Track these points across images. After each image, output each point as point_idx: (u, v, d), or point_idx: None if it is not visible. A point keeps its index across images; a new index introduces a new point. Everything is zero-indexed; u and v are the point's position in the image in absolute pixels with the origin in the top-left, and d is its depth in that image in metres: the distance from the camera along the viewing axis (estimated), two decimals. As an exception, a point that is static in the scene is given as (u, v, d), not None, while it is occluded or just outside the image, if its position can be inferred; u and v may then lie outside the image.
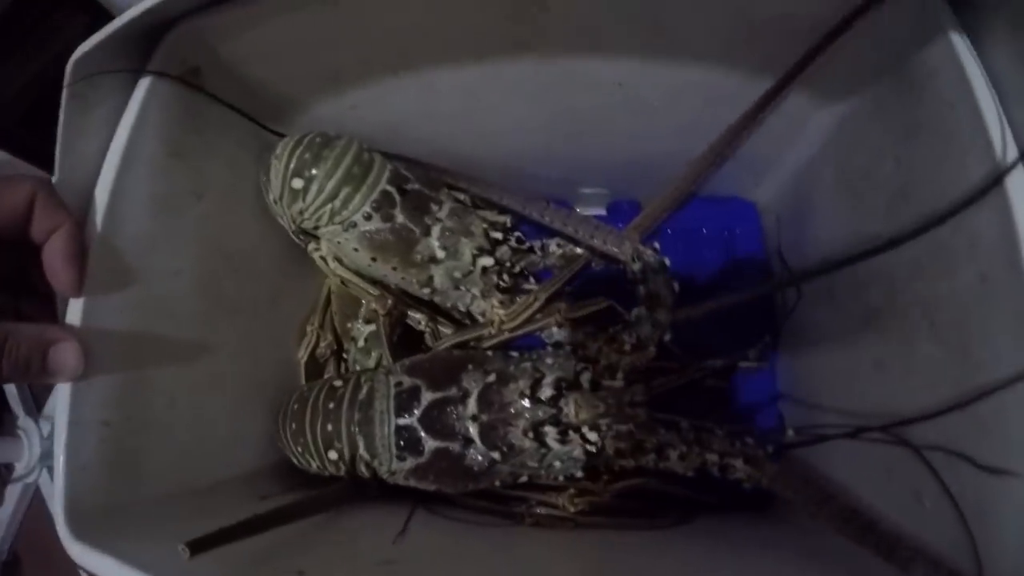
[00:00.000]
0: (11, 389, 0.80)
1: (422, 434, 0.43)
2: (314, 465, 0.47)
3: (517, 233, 0.48)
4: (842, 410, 0.50)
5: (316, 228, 0.47)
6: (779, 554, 0.46)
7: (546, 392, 0.43)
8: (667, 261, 0.46)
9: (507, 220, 0.50)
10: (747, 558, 0.47)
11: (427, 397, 0.43)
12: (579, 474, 0.46)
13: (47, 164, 0.63)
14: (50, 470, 0.78)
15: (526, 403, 0.43)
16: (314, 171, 0.45)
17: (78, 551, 0.35)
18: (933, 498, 0.36)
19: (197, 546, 0.32)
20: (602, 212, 0.58)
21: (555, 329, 0.48)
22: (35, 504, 0.81)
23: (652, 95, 0.46)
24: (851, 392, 0.47)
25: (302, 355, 0.52)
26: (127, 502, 0.40)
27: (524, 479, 0.46)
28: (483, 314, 0.48)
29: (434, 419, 0.43)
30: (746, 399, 0.55)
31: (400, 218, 0.45)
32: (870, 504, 0.42)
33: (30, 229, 0.36)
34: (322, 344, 0.51)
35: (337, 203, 0.45)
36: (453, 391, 0.43)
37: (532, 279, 0.48)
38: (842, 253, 0.37)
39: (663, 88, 0.46)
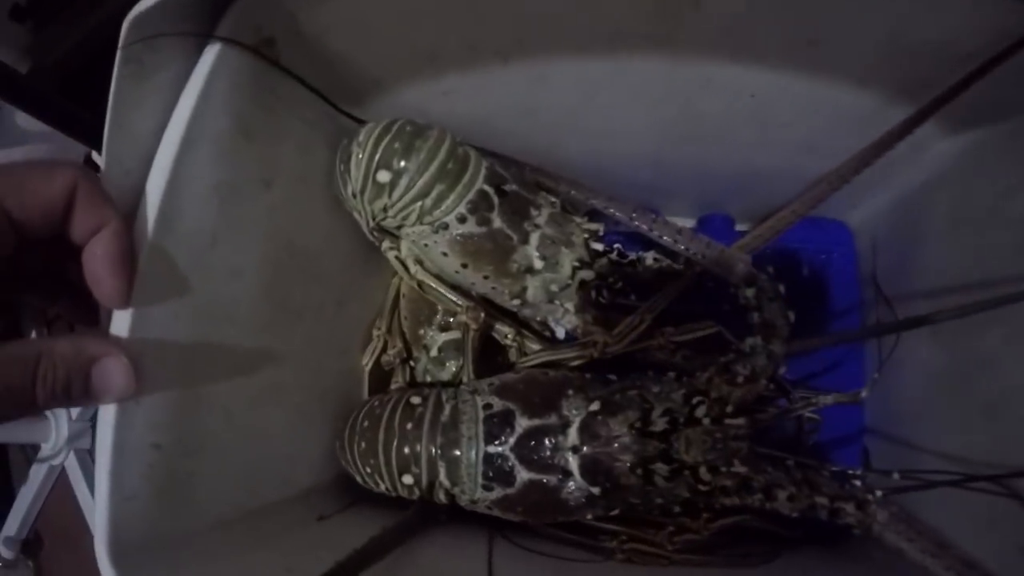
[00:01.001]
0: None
1: (515, 464, 0.37)
2: (382, 487, 0.40)
3: (617, 245, 0.41)
4: (942, 454, 0.44)
5: (399, 227, 0.40)
6: None
7: (659, 425, 0.36)
8: (782, 288, 0.40)
9: (600, 228, 0.43)
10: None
11: (522, 424, 0.37)
12: (677, 509, 0.39)
13: (87, 139, 0.55)
14: (77, 452, 0.70)
15: (635, 437, 0.36)
16: (404, 164, 0.37)
17: None
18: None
19: None
20: (691, 224, 0.51)
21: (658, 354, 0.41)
22: (59, 485, 0.74)
23: (782, 109, 0.41)
24: (954, 437, 0.43)
25: (367, 362, 0.45)
26: (177, 532, 0.33)
27: (615, 512, 0.39)
28: (574, 330, 0.41)
29: (530, 449, 0.37)
30: (831, 431, 0.49)
31: (497, 222, 0.38)
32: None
33: (70, 226, 0.28)
34: (390, 351, 0.44)
35: (428, 202, 0.38)
36: (552, 419, 0.37)
37: (632, 296, 0.41)
38: (959, 290, 0.31)
39: (795, 103, 0.40)
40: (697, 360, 0.43)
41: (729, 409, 0.39)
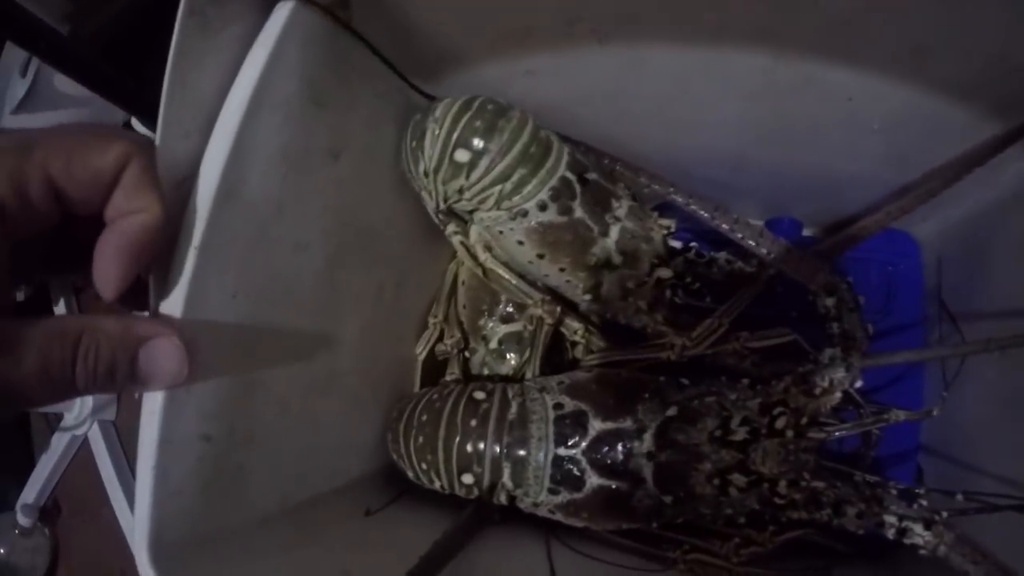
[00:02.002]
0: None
1: (586, 468, 0.33)
2: (437, 484, 0.37)
3: (694, 244, 0.37)
4: (1001, 478, 0.41)
5: (473, 212, 0.35)
6: None
7: (739, 435, 0.32)
8: (862, 299, 0.36)
9: (672, 224, 0.39)
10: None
11: (595, 426, 0.33)
12: (742, 520, 0.36)
13: (127, 104, 0.50)
14: (100, 424, 0.65)
15: (713, 446, 0.32)
16: (485, 144, 0.34)
17: None
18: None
19: None
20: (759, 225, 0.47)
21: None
22: (80, 454, 0.69)
23: (876, 117, 0.37)
24: (1016, 462, 0.39)
25: (421, 351, 0.41)
26: (223, 528, 0.29)
27: (680, 520, 0.35)
28: (643, 329, 0.37)
29: (602, 453, 0.33)
30: (886, 448, 0.46)
31: (579, 212, 0.35)
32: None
33: (106, 203, 0.23)
34: (447, 340, 0.40)
35: (508, 186, 0.34)
36: (627, 423, 0.33)
37: (707, 298, 0.37)
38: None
39: (891, 111, 0.37)
40: (767, 368, 0.40)
41: (804, 421, 0.35)
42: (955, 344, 0.41)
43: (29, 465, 0.70)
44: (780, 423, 0.34)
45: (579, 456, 0.33)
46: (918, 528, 0.35)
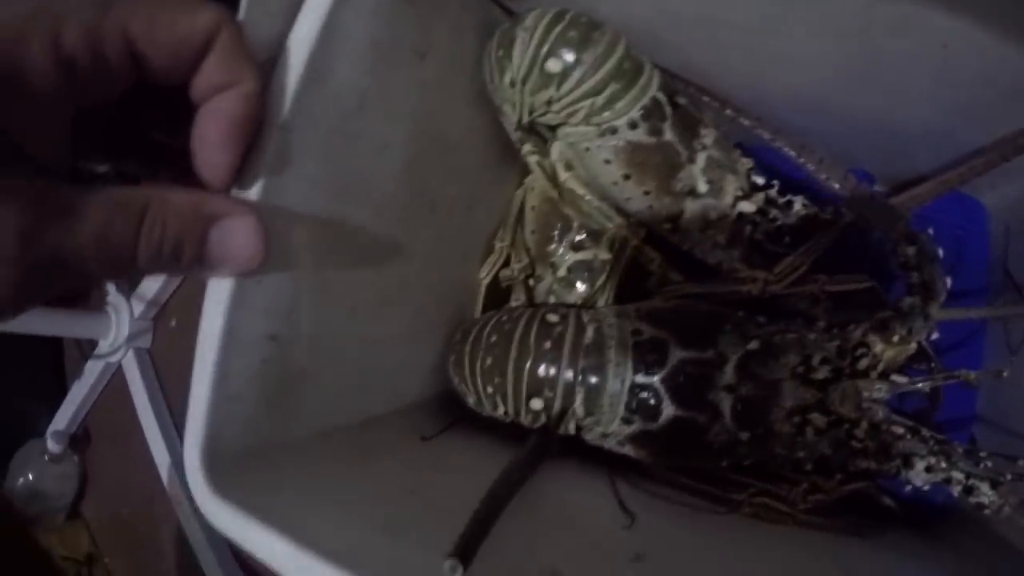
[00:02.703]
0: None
1: (664, 397, 0.30)
2: (501, 409, 0.34)
3: (776, 182, 0.35)
4: None
5: (559, 127, 0.33)
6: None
7: (821, 373, 0.30)
8: (940, 252, 0.34)
9: (751, 163, 0.36)
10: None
11: (676, 354, 0.31)
12: (809, 467, 0.33)
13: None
14: (136, 352, 0.63)
15: (796, 382, 0.30)
16: (579, 55, 0.31)
17: (215, 508, 0.22)
18: None
19: (466, 553, 0.20)
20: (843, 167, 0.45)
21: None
22: (112, 383, 0.67)
23: (968, 67, 0.34)
24: None
25: (486, 275, 0.38)
26: (283, 441, 0.27)
27: (748, 463, 0.33)
28: (719, 266, 0.35)
29: (682, 383, 0.31)
30: (942, 415, 0.43)
31: (669, 135, 0.32)
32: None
33: (194, 78, 0.21)
34: (515, 265, 0.38)
35: (600, 100, 0.31)
36: (709, 353, 0.31)
37: (786, 239, 0.34)
38: None
39: (984, 62, 0.34)
40: (840, 315, 0.37)
41: (881, 367, 0.33)
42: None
43: (61, 392, 0.68)
44: (863, 363, 0.31)
45: (657, 384, 0.31)
46: (984, 487, 0.33)
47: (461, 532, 0.20)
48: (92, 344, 0.64)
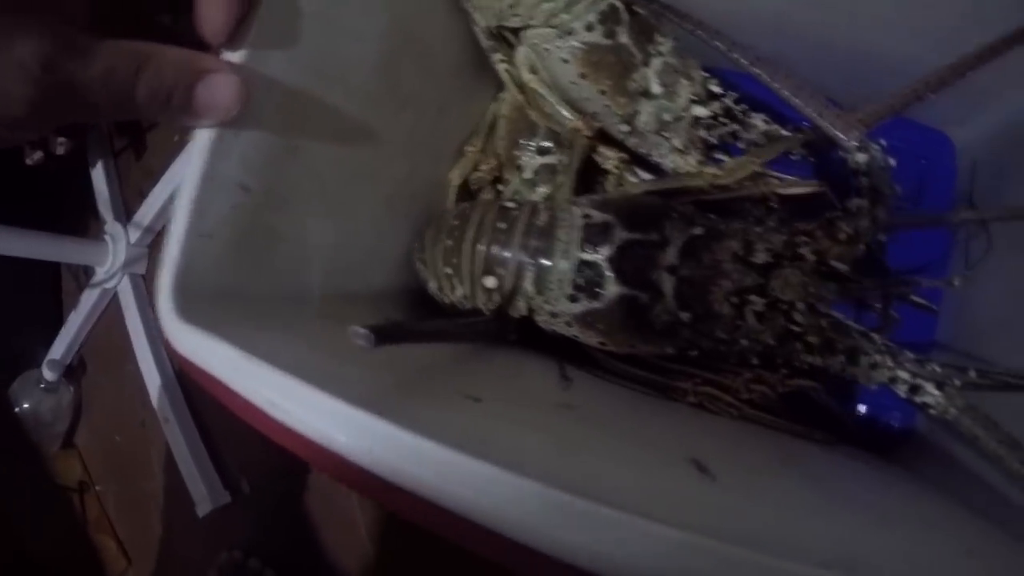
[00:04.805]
0: (102, 192, 0.71)
1: (607, 275, 0.35)
2: (459, 292, 0.38)
3: (734, 94, 0.38)
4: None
5: (523, 29, 0.37)
6: (930, 494, 0.39)
7: (760, 257, 0.34)
8: (892, 161, 0.37)
9: (716, 82, 0.40)
10: (899, 492, 0.39)
11: (621, 235, 0.35)
12: (755, 361, 0.37)
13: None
14: (131, 278, 0.68)
15: (735, 265, 0.33)
16: (540, -40, 0.35)
17: (181, 333, 0.25)
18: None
19: (384, 335, 0.23)
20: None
21: (748, 206, 0.38)
22: (107, 313, 0.72)
23: None
24: None
25: (455, 177, 0.42)
26: (250, 291, 0.31)
27: (695, 353, 0.36)
28: (677, 169, 0.38)
29: (625, 261, 0.35)
30: (901, 338, 0.46)
31: (624, 38, 0.36)
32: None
33: None
34: (483, 167, 0.42)
35: (560, 3, 0.35)
36: (653, 236, 0.35)
37: (740, 148, 0.38)
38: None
39: None
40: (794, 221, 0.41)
41: (828, 262, 0.36)
42: (982, 210, 0.41)
43: (58, 324, 0.73)
44: (803, 251, 0.35)
45: (602, 262, 0.34)
46: (930, 387, 0.36)
47: (387, 323, 0.24)
48: (89, 276, 0.70)
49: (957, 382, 0.37)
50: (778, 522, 0.23)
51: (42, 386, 0.72)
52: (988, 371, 0.40)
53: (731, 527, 0.20)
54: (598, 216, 0.36)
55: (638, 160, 0.42)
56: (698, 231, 0.35)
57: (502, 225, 0.37)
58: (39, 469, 0.73)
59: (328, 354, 0.29)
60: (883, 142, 0.39)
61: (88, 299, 0.70)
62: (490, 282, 0.37)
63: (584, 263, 0.35)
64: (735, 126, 0.40)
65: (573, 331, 0.37)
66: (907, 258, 0.47)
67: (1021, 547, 0.32)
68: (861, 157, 0.38)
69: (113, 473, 0.73)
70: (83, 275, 0.72)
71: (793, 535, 0.22)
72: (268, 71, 0.29)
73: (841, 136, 0.38)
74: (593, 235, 0.35)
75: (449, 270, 0.38)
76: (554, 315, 0.37)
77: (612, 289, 0.35)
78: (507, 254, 0.36)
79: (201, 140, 0.27)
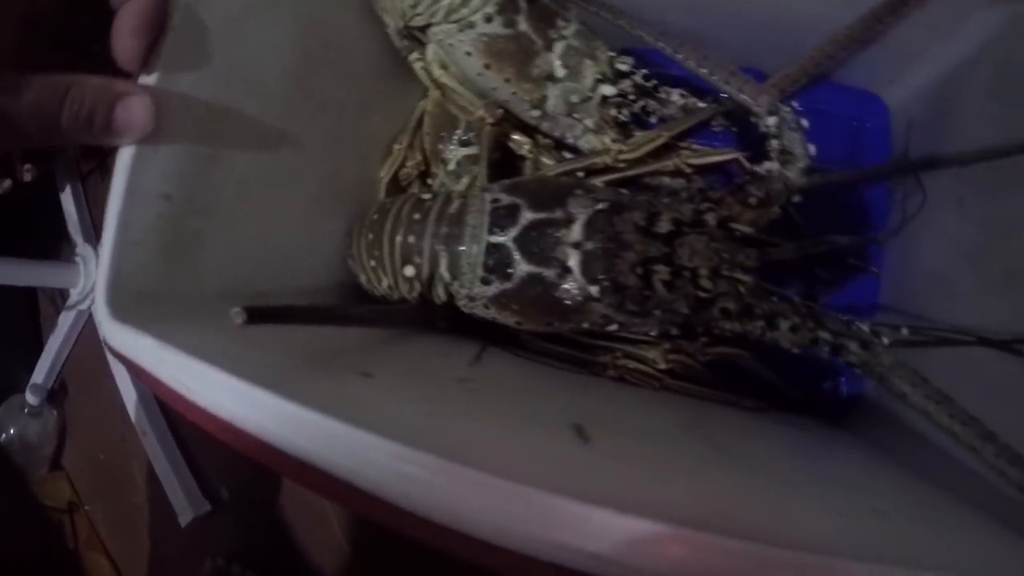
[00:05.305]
0: (71, 215, 0.75)
1: (515, 256, 0.37)
2: (385, 283, 0.41)
3: (644, 70, 0.41)
4: (961, 330, 0.42)
5: (427, 27, 0.40)
6: (867, 456, 0.41)
7: (663, 227, 0.36)
8: (805, 123, 0.39)
9: (631, 61, 0.42)
10: (838, 453, 0.41)
11: (527, 216, 0.37)
12: (674, 332, 0.39)
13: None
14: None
15: (639, 235, 0.35)
16: (437, -42, 0.37)
17: (113, 330, 0.29)
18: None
19: (256, 314, 0.26)
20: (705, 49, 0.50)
21: (667, 179, 0.40)
22: (84, 334, 0.77)
23: None
24: (972, 306, 0.41)
25: (384, 174, 0.45)
26: (178, 291, 0.34)
27: (613, 327, 0.38)
28: (594, 149, 0.41)
29: (531, 240, 0.37)
30: (844, 300, 0.48)
31: (523, 26, 0.39)
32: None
33: None
34: (409, 163, 0.44)
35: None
36: (558, 213, 0.37)
37: (654, 123, 0.40)
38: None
39: None
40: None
41: (738, 228, 0.38)
42: (901, 161, 0.43)
43: (38, 348, 0.78)
44: (707, 218, 0.37)
45: (509, 243, 0.37)
46: (853, 346, 0.37)
47: (263, 305, 0.27)
48: (65, 299, 0.74)
49: (886, 340, 0.39)
50: (644, 481, 0.25)
51: (26, 411, 0.77)
52: (921, 327, 0.41)
53: (581, 482, 0.22)
54: (506, 199, 0.38)
55: (562, 144, 0.44)
56: (602, 206, 0.37)
57: (416, 216, 0.39)
58: (29, 493, 0.77)
59: (242, 343, 0.31)
60: (795, 105, 0.41)
61: (65, 321, 0.74)
62: (409, 271, 0.39)
63: (492, 246, 0.37)
64: (648, 101, 0.42)
65: (491, 313, 0.39)
66: (846, 222, 0.49)
67: (958, 506, 0.34)
68: (771, 120, 0.40)
69: (100, 491, 0.76)
70: (59, 298, 0.77)
71: (656, 493, 0.24)
72: (182, 88, 0.32)
73: (750, 102, 0.40)
74: (500, 218, 0.37)
75: (373, 263, 0.41)
76: (471, 298, 0.39)
77: (521, 268, 0.37)
78: (422, 243, 0.39)
79: (124, 157, 0.30)
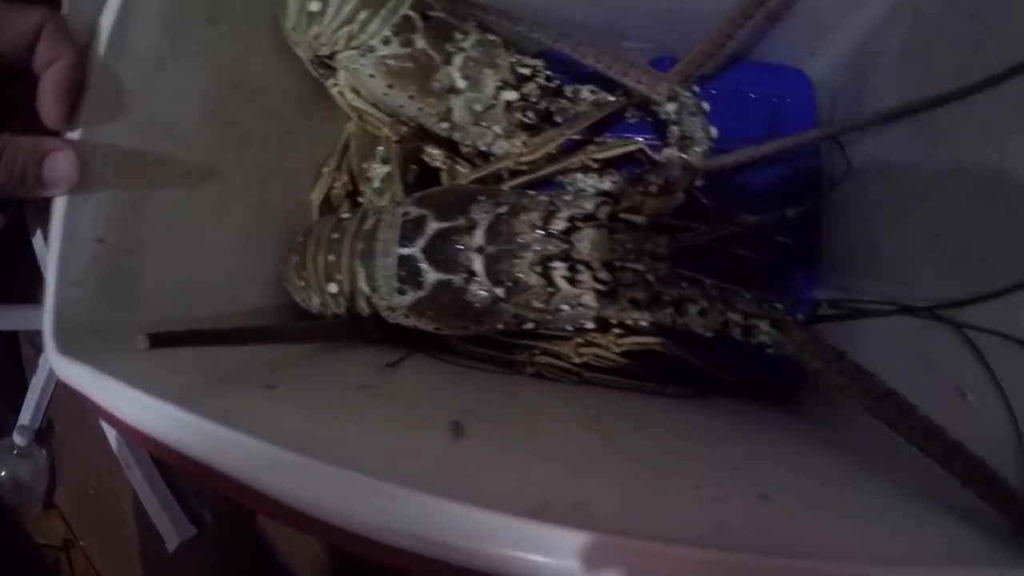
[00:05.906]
0: (43, 258, 0.80)
1: (424, 265, 0.40)
2: (315, 301, 0.45)
3: (547, 72, 0.44)
4: (890, 297, 0.44)
5: (333, 55, 0.44)
6: (795, 437, 0.43)
7: (559, 224, 0.39)
8: (706, 106, 0.42)
9: (540, 64, 0.46)
10: (761, 436, 0.43)
11: (432, 227, 0.41)
12: (589, 326, 0.42)
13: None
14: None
15: (536, 235, 0.39)
16: (332, -7, 0.41)
17: (62, 364, 0.33)
18: (978, 393, 0.33)
19: (158, 339, 0.29)
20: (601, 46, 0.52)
21: (579, 175, 0.43)
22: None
23: None
24: (901, 274, 0.43)
25: (316, 196, 0.49)
26: (118, 324, 0.38)
27: (530, 326, 0.42)
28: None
29: (437, 249, 0.41)
30: (780, 283, 0.50)
31: (420, 44, 0.42)
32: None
33: (33, 59, 0.34)
34: (337, 184, 0.48)
35: (355, 27, 0.43)
36: (460, 221, 0.40)
37: (558, 119, 0.44)
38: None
39: None
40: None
41: (640, 218, 0.41)
42: (814, 132, 0.45)
43: (22, 390, 0.83)
44: (600, 212, 0.40)
45: (418, 254, 0.40)
46: (764, 325, 0.39)
47: (166, 332, 0.31)
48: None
49: (800, 316, 0.41)
50: (504, 472, 0.28)
51: (15, 452, 0.82)
52: (842, 300, 0.44)
53: (436, 474, 0.25)
54: (415, 212, 0.42)
55: (482, 154, 0.48)
56: (502, 210, 0.40)
57: (335, 235, 0.43)
58: (25, 534, 0.82)
59: (167, 366, 0.35)
60: (696, 89, 0.43)
61: (46, 362, 0.79)
62: (333, 288, 0.43)
63: (403, 257, 0.40)
64: (556, 101, 0.45)
65: (412, 321, 0.42)
66: (779, 199, 0.51)
67: (891, 487, 0.36)
68: (671, 107, 0.42)
69: (93, 525, 0.81)
70: (39, 340, 0.82)
71: (521, 484, 0.27)
72: (104, 139, 0.36)
73: (648, 91, 0.43)
74: (409, 231, 0.41)
75: (302, 283, 0.45)
76: (391, 308, 0.42)
77: (431, 277, 0.40)
78: (340, 260, 0.42)
79: (58, 207, 0.35)
